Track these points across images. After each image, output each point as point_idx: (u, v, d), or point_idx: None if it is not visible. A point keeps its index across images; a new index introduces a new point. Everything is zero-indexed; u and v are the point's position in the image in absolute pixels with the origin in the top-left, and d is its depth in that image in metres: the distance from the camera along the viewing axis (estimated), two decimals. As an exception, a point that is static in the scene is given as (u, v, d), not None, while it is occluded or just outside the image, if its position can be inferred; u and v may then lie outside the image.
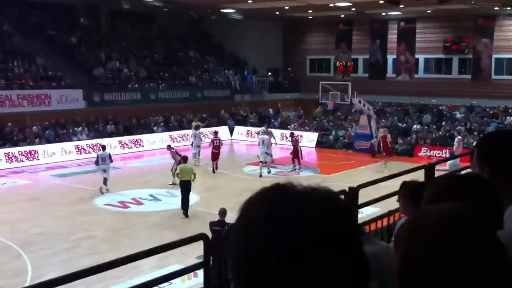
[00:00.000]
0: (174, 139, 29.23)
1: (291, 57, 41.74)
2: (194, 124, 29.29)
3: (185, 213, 16.16)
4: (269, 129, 26.70)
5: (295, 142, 24.38)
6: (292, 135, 26.61)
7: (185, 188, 16.29)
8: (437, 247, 1.00)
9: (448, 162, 14.03)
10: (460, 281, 0.97)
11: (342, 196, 4.70)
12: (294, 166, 23.72)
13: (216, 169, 23.41)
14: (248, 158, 26.96)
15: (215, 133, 25.80)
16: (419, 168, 5.91)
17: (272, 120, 35.64)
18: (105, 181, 19.17)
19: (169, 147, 22.21)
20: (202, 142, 26.16)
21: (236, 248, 0.88)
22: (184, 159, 18.31)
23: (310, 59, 41.36)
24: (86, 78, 30.43)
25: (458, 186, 1.68)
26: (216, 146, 23.79)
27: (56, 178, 21.70)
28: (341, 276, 0.85)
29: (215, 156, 23.58)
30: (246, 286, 0.87)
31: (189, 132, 30.12)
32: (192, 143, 25.77)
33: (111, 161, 19.77)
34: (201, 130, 27.44)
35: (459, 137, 24.89)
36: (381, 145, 24.69)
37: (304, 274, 0.83)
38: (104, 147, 20.71)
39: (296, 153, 23.67)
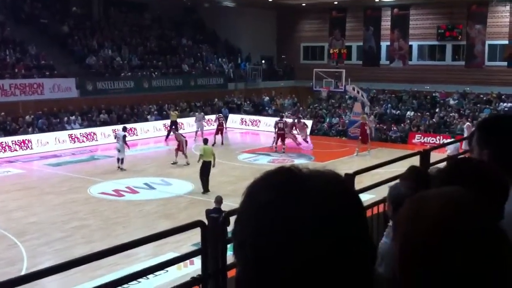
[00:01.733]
0: (168, 127, 29.15)
1: (285, 45, 41.61)
2: (171, 113, 29.18)
3: (205, 190, 17.12)
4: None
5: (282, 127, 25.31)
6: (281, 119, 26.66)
7: (206, 168, 17.21)
8: (440, 231, 0.99)
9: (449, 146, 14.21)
10: (465, 265, 0.97)
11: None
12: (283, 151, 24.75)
13: (222, 144, 26.55)
14: (243, 146, 27.00)
15: (219, 113, 29.74)
16: (415, 154, 5.92)
17: (267, 108, 35.64)
18: (121, 160, 20.82)
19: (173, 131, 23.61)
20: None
21: (242, 232, 0.88)
22: (205, 141, 19.02)
23: (303, 47, 41.24)
24: (78, 67, 30.27)
25: (466, 172, 1.68)
26: (220, 123, 27.54)
27: (50, 167, 21.64)
28: (348, 258, 0.85)
29: (220, 131, 27.00)
30: (252, 270, 0.86)
31: (183, 120, 30.17)
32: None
33: (125, 143, 21.04)
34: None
35: (468, 123, 24.68)
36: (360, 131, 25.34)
37: (311, 257, 0.83)
38: (124, 128, 22.25)
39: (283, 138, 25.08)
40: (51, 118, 26.76)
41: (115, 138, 22.25)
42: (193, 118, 29.12)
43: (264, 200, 0.87)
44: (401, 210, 1.08)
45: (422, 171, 3.54)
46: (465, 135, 22.36)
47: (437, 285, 0.98)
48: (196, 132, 28.14)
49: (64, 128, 26.49)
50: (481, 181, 1.57)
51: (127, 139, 21.70)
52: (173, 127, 27.96)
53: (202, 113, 29.94)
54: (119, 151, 20.95)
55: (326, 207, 0.85)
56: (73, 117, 27.40)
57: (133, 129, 28.53)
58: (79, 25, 33.01)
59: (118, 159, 20.92)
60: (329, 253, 0.83)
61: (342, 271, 0.84)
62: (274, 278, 0.84)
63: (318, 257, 0.83)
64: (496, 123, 2.07)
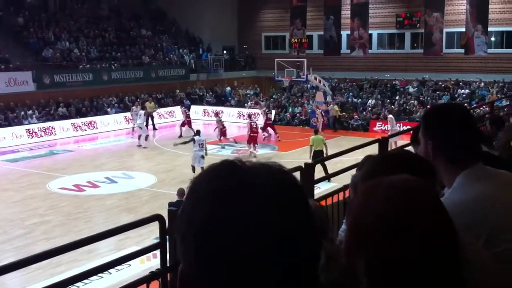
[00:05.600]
0: (129, 120, 28.79)
1: (246, 35, 41.50)
2: (148, 105, 28.83)
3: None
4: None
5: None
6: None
7: (318, 156, 17.09)
8: (385, 215, 1.01)
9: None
10: (409, 245, 0.98)
11: (299, 172, 4.70)
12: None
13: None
14: (206, 138, 26.83)
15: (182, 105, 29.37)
16: (373, 142, 5.97)
17: (229, 98, 35.57)
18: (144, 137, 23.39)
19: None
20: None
21: (185, 227, 0.85)
22: (315, 131, 19.50)
23: (265, 36, 41.22)
24: (34, 59, 29.55)
25: (389, 163, 1.70)
26: (187, 115, 27.97)
27: (8, 163, 21.10)
28: (292, 251, 0.82)
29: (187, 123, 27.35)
30: (194, 265, 0.83)
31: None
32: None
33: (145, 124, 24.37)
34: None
35: (390, 115, 24.76)
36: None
37: (253, 250, 0.80)
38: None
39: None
40: (7, 112, 26.08)
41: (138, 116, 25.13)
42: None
43: (205, 194, 0.85)
44: (352, 198, 1.08)
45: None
46: (389, 127, 22.67)
47: (382, 271, 1.00)
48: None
49: (21, 123, 25.87)
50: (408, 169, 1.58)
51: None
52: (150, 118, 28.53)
53: (189, 102, 30.83)
54: (140, 128, 23.45)
55: (268, 199, 0.83)
56: (30, 111, 26.77)
57: (92, 123, 28.07)
58: (35, 16, 32.19)
59: (146, 137, 23.20)
60: (272, 245, 0.81)
61: (287, 264, 0.81)
62: (215, 272, 0.81)
63: (260, 250, 0.80)
64: (435, 114, 2.10)
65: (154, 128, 28.96)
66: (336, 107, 29.01)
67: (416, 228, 0.99)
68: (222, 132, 24.55)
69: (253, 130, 22.37)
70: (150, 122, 28.71)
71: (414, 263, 0.98)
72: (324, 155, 17.04)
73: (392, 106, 29.17)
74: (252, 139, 22.35)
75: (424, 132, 2.03)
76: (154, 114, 29.64)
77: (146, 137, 24.02)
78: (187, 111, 28.92)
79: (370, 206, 1.03)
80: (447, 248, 1.00)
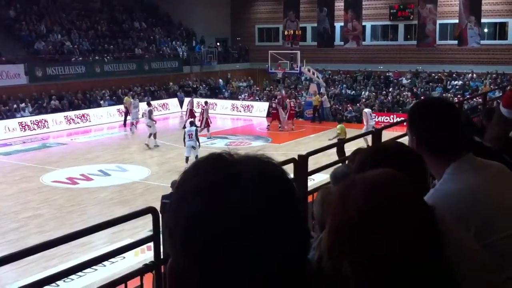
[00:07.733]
0: (123, 112, 28.69)
1: (240, 27, 41.38)
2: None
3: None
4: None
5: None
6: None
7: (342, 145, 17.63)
8: (364, 211, 1.01)
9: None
10: (389, 242, 0.98)
11: (292, 164, 4.71)
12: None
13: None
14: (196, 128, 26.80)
15: (206, 102, 26.41)
16: (367, 133, 5.98)
17: (223, 91, 35.50)
18: (153, 135, 21.79)
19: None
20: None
21: (172, 220, 0.85)
22: (339, 120, 20.84)
23: (258, 28, 41.11)
24: (26, 52, 29.38)
25: (379, 155, 1.71)
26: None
27: (0, 157, 21.01)
28: (279, 240, 0.81)
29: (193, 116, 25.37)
30: (182, 260, 0.83)
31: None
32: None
33: (151, 118, 22.08)
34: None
35: (365, 109, 24.26)
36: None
37: (241, 244, 0.79)
38: (149, 104, 23.46)
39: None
40: (0, 106, 25.94)
41: (142, 116, 24.00)
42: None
43: (192, 188, 0.84)
44: (333, 195, 1.07)
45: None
46: (364, 122, 22.61)
47: (366, 267, 1.00)
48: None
49: (14, 116, 25.75)
50: (396, 162, 1.58)
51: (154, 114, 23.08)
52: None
53: (183, 94, 31.06)
54: (149, 126, 21.84)
55: (256, 192, 0.82)
56: (23, 105, 26.64)
57: (85, 115, 27.96)
58: (26, 9, 31.96)
59: (150, 135, 21.68)
60: (260, 239, 0.80)
61: (274, 258, 0.80)
62: (202, 266, 0.81)
63: (247, 244, 0.79)
64: (419, 109, 2.11)
65: (124, 125, 27.08)
66: (317, 97, 29.10)
67: (395, 223, 0.98)
68: (207, 123, 23.63)
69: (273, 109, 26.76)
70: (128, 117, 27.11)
71: (396, 258, 0.97)
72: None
73: (364, 100, 29.16)
74: (290, 116, 26.56)
75: (409, 128, 2.04)
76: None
77: (155, 135, 22.07)
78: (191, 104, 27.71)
79: (349, 203, 1.02)
80: (429, 242, 0.99)
